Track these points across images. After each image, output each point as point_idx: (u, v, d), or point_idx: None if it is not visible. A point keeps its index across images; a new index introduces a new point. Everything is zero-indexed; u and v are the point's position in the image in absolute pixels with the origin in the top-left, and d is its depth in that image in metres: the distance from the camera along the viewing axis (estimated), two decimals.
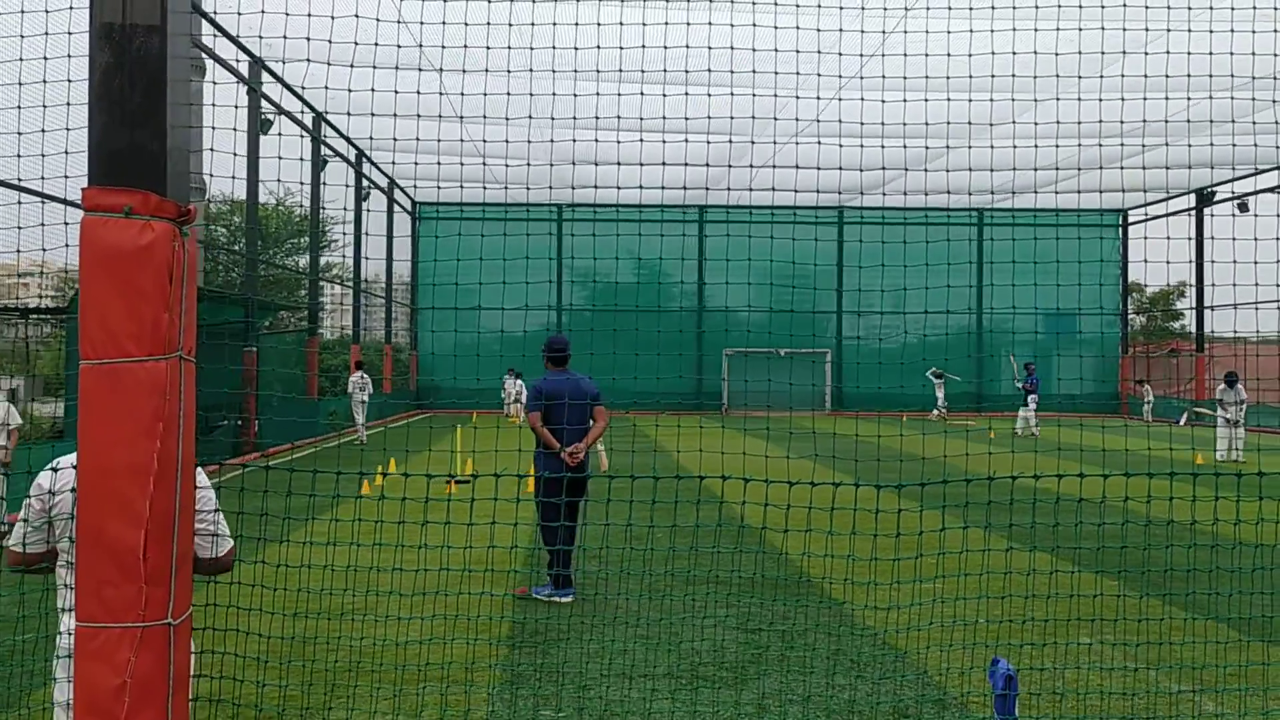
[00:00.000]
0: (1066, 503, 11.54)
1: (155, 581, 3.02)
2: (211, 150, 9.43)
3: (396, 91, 6.57)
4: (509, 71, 8.58)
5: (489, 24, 6.66)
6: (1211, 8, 7.96)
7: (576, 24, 7.12)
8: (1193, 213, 31.68)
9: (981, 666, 6.09)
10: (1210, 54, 7.19)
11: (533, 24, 6.88)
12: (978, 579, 7.58)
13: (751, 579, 8.79)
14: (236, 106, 19.11)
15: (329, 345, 32.14)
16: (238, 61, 19.98)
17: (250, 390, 19.55)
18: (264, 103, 20.80)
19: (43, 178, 5.14)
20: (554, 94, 19.33)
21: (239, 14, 17.45)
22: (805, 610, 7.85)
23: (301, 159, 23.19)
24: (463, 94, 6.72)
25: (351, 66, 5.85)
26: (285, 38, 5.66)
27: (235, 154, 6.94)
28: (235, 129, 9.96)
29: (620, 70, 12.81)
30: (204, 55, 18.11)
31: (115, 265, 3.00)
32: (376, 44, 5.76)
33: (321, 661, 6.27)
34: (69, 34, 4.32)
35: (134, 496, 2.98)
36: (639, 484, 10.82)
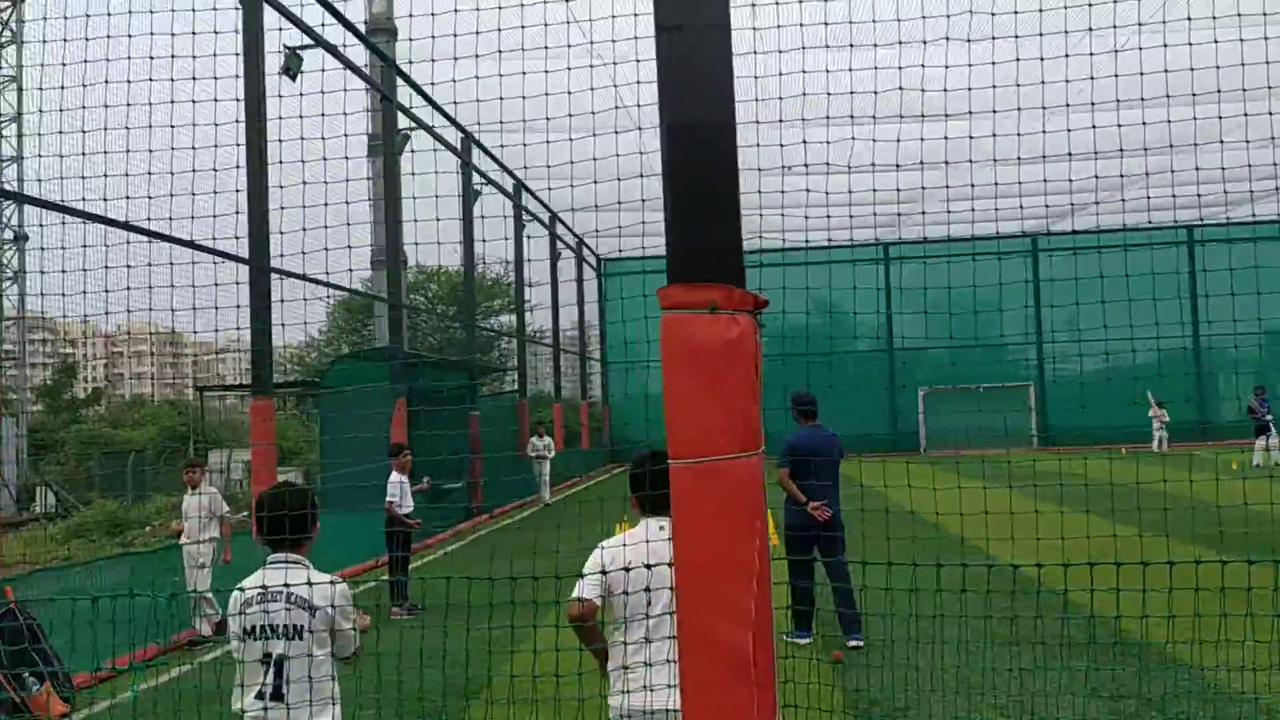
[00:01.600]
0: None
1: (763, 685, 2.92)
2: (415, 220, 9.81)
3: (595, 159, 6.58)
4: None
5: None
6: None
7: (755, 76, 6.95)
8: None
9: None
10: None
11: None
12: None
13: (1067, 639, 8.24)
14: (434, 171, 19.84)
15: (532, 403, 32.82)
16: (441, 129, 20.72)
17: (477, 453, 20.03)
18: (469, 173, 21.52)
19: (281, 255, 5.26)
20: (746, 144, 19.28)
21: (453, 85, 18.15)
22: (1151, 674, 7.31)
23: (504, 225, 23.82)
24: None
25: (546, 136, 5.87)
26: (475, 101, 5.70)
27: (438, 219, 7.08)
28: (445, 196, 10.24)
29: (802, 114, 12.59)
30: (411, 128, 18.86)
31: (704, 362, 2.96)
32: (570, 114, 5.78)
33: None
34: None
35: (739, 596, 2.90)
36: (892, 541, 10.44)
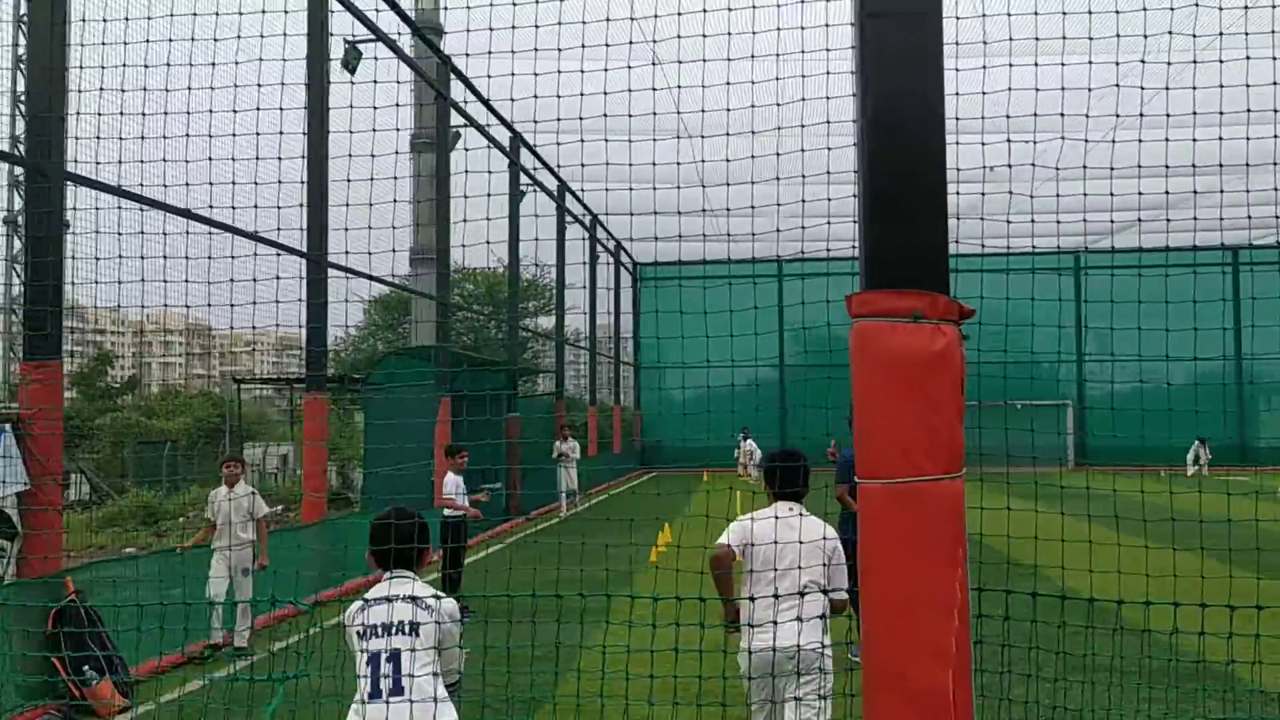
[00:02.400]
0: None
1: None
2: (464, 221, 9.58)
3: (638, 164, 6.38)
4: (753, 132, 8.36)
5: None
6: None
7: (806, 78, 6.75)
8: None
9: None
10: None
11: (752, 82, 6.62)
12: None
13: (1142, 666, 7.91)
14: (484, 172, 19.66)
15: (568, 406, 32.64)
16: (489, 127, 20.54)
17: (517, 455, 19.85)
18: (512, 173, 21.35)
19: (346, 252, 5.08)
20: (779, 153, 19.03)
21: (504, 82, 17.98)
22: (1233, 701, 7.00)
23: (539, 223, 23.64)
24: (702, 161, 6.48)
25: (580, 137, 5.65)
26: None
27: (488, 220, 6.88)
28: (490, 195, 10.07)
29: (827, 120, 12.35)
30: (463, 125, 18.71)
31: (905, 374, 2.73)
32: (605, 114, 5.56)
33: None
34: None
35: (938, 631, 2.68)
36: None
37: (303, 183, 11.00)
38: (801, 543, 4.87)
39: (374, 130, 12.24)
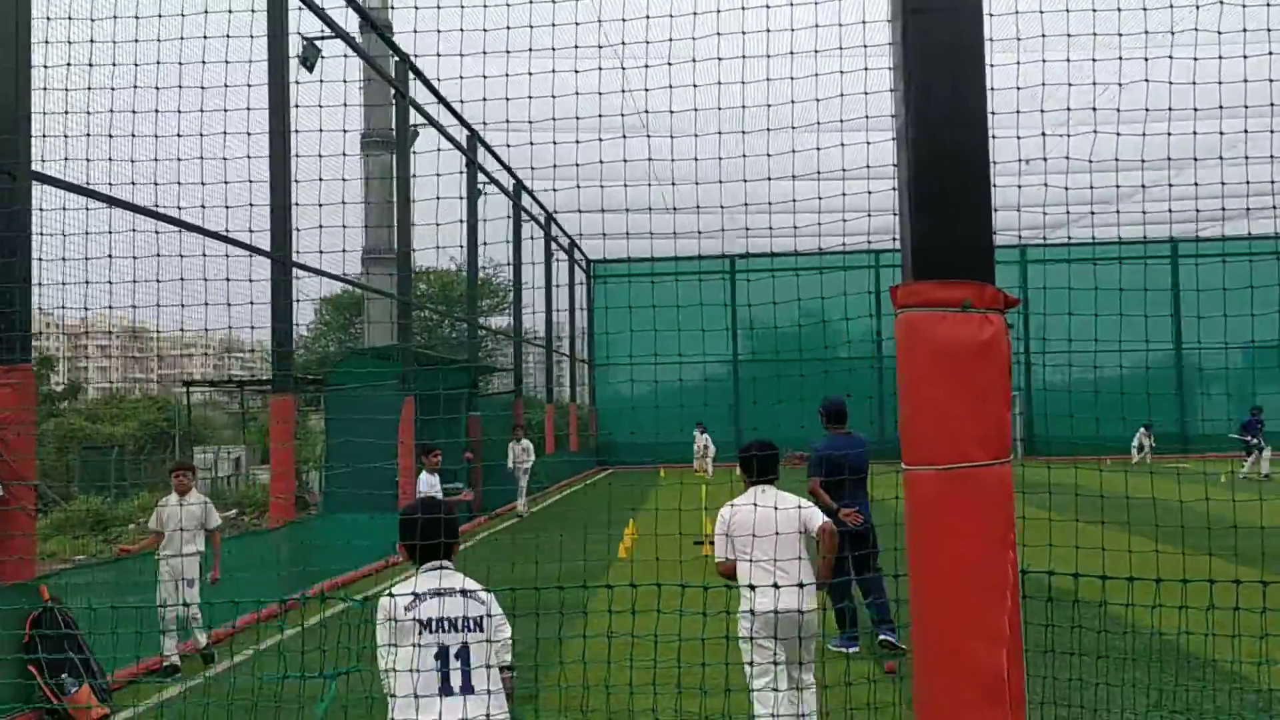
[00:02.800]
0: None
1: (1017, 706, 2.77)
2: (437, 225, 9.56)
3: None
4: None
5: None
6: None
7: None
8: None
9: None
10: None
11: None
12: None
13: (1107, 649, 8.11)
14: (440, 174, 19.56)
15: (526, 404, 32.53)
16: (451, 127, 20.45)
17: (477, 454, 19.77)
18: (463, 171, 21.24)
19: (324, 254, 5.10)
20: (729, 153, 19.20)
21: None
22: (1204, 689, 7.20)
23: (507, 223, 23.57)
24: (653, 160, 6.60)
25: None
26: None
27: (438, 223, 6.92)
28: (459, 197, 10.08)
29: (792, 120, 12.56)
30: (421, 124, 18.61)
31: (955, 363, 2.80)
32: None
33: None
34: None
35: (991, 612, 2.75)
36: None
37: (250, 181, 10.72)
38: (777, 508, 5.49)
39: (321, 130, 12.09)
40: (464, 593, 3.77)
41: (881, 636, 8.45)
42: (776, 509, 5.47)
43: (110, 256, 9.29)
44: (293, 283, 12.05)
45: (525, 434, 21.59)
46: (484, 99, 6.54)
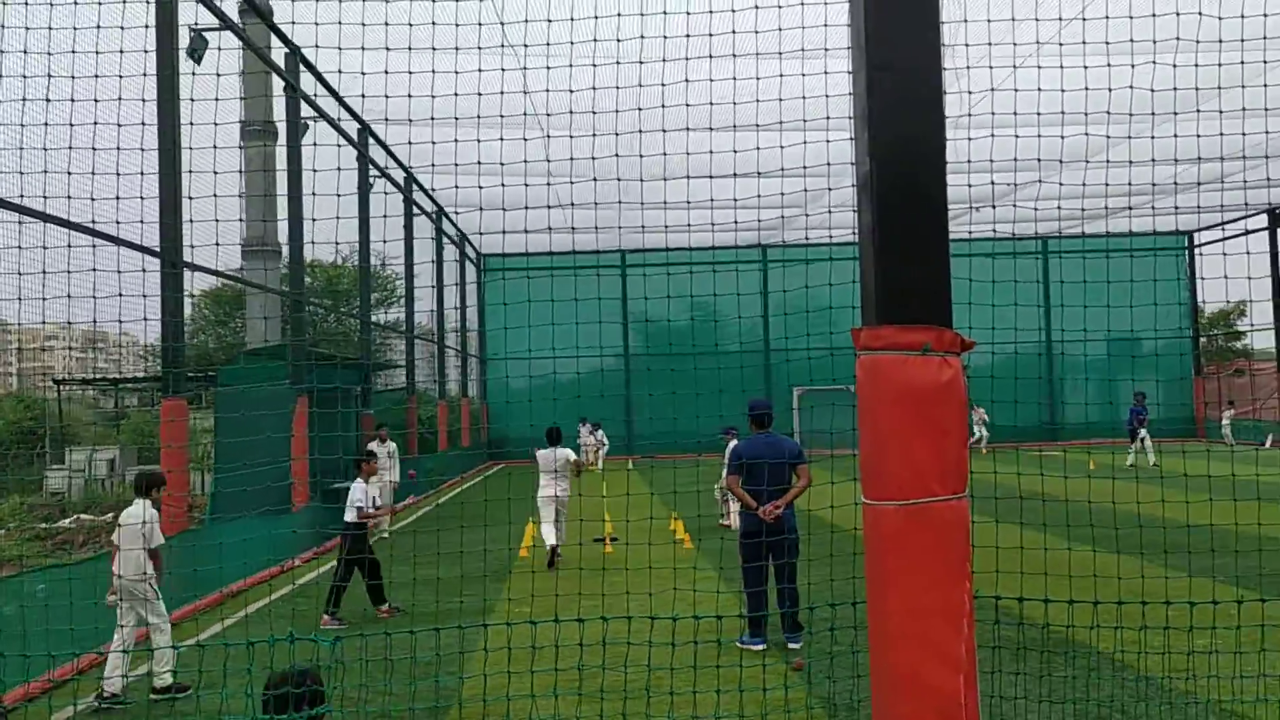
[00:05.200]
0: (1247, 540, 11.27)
1: None
2: (313, 219, 9.47)
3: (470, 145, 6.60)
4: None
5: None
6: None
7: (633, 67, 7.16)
8: (1265, 232, 31.82)
9: None
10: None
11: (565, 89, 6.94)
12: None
13: (1022, 645, 8.51)
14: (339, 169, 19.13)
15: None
16: (342, 121, 20.00)
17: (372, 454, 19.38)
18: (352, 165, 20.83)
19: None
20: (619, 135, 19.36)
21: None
22: (1098, 677, 7.63)
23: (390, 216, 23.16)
24: (552, 158, 6.77)
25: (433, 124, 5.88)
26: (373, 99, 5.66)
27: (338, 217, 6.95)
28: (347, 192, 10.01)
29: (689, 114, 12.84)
30: (312, 117, 18.16)
31: (916, 404, 2.95)
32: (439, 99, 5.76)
33: None
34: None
35: (950, 639, 2.91)
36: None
37: (116, 173, 10.28)
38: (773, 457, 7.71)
39: (192, 124, 11.78)
40: None
41: (790, 644, 8.66)
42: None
43: None
44: (182, 277, 11.65)
45: (390, 434, 17.88)
46: (362, 95, 6.46)
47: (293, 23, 16.37)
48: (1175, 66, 8.08)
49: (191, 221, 12.24)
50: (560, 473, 13.29)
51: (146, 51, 11.25)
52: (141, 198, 9.94)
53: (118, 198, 9.43)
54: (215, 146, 11.92)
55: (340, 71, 17.33)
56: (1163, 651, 7.15)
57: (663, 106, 8.99)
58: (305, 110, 17.57)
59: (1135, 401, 26.03)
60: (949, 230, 2.98)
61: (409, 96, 8.42)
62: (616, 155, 13.34)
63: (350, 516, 10.39)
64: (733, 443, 15.48)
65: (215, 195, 11.71)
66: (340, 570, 10.33)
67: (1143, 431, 25.37)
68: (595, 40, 8.86)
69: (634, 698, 7.06)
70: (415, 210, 25.03)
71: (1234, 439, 32.17)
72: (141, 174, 10.53)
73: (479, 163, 8.51)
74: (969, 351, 3.03)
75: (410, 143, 19.72)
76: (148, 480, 8.06)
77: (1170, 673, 7.31)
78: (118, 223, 10.16)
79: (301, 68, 16.55)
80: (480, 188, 9.30)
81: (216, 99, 11.23)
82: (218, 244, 12.19)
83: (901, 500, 2.94)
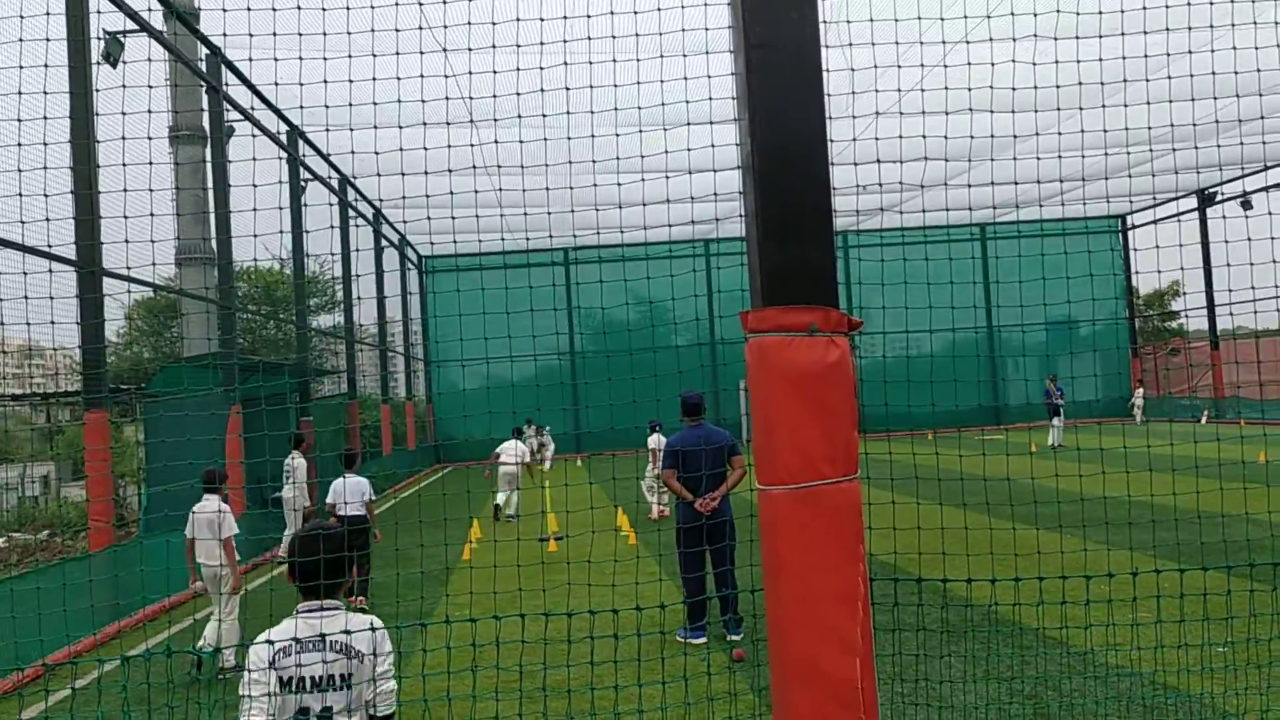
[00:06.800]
0: (1187, 515, 11.50)
1: (870, 712, 2.89)
2: (251, 224, 9.32)
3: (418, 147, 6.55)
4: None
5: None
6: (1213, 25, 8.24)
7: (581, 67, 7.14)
8: (1195, 213, 32.46)
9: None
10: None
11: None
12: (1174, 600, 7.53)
13: (948, 626, 8.60)
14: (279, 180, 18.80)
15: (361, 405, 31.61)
16: (279, 132, 19.67)
17: (313, 458, 19.11)
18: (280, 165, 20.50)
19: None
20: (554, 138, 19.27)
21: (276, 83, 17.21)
22: (1033, 655, 7.71)
23: (332, 225, 22.82)
24: (484, 149, 6.73)
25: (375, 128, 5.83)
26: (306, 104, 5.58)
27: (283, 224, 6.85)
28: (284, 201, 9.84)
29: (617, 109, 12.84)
30: (237, 120, 17.82)
31: (805, 386, 2.90)
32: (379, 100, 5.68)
33: None
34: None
35: (845, 624, 2.86)
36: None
37: (18, 169, 9.95)
38: (708, 448, 8.06)
39: (121, 134, 11.43)
40: (344, 649, 3.39)
41: (730, 636, 8.66)
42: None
43: None
44: (101, 285, 11.33)
45: (298, 445, 14.42)
46: (298, 97, 6.31)
47: (224, 34, 16.05)
48: (1092, 60, 8.15)
49: (128, 239, 11.92)
50: (520, 459, 16.86)
51: (49, 40, 10.90)
52: (46, 194, 9.60)
53: (20, 194, 9.09)
54: (124, 145, 11.59)
55: (276, 61, 17.01)
56: (1084, 626, 7.23)
57: (591, 112, 8.90)
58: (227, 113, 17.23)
59: (1049, 381, 26.73)
60: (834, 210, 2.93)
61: (347, 103, 8.24)
62: (562, 152, 13.25)
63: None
64: (655, 435, 15.84)
65: (126, 191, 11.39)
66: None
67: (1056, 417, 26.06)
68: (519, 46, 8.77)
69: (578, 694, 6.99)
70: (352, 213, 24.69)
71: (1144, 417, 33.07)
72: (46, 168, 10.20)
73: (401, 149, 8.38)
74: (858, 331, 2.99)
75: (353, 144, 19.44)
76: (216, 476, 8.90)
77: (1097, 646, 7.39)
78: (22, 222, 9.84)
79: (224, 69, 16.21)
80: (403, 174, 9.15)
81: (145, 110, 10.92)
82: (139, 241, 11.87)
83: (792, 484, 2.89)
